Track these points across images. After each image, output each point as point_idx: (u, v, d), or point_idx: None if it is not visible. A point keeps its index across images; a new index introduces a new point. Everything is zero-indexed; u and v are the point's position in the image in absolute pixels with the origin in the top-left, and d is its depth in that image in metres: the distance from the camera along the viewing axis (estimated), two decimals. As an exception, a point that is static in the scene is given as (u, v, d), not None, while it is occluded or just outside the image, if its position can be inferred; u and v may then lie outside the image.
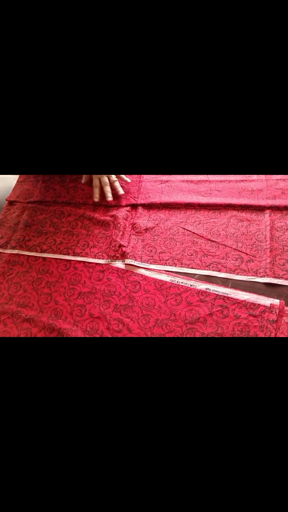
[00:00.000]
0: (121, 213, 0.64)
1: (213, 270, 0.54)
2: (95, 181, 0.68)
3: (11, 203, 0.76)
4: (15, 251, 0.66)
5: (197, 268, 0.55)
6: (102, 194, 0.67)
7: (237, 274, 0.53)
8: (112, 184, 0.67)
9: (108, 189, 0.66)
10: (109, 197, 0.65)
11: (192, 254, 0.56)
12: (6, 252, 0.67)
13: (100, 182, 0.68)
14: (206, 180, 0.64)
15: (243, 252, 0.54)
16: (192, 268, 0.55)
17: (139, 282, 0.55)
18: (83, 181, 0.72)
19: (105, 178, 0.67)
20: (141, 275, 0.55)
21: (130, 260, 0.57)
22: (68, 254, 0.63)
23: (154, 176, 0.68)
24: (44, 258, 0.63)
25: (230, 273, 0.53)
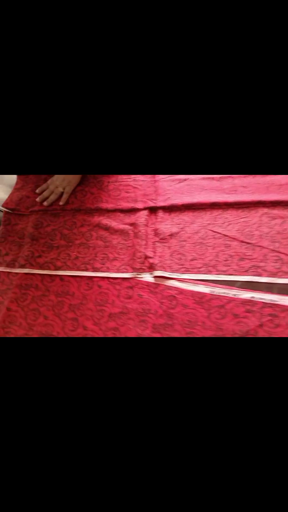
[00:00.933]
0: (140, 219, 0.58)
1: (253, 275, 0.50)
2: (45, 184, 0.67)
3: (10, 211, 0.67)
4: (25, 270, 0.59)
5: (235, 274, 0.50)
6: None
7: (280, 277, 0.49)
8: (54, 194, 0.65)
9: (54, 198, 0.65)
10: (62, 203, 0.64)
11: (227, 259, 0.52)
12: (14, 271, 0.59)
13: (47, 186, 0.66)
14: (229, 176, 0.60)
15: (282, 253, 0.51)
16: (229, 274, 0.51)
17: (175, 297, 0.50)
18: (61, 203, 0.67)
19: (59, 189, 0.65)
20: (176, 288, 0.51)
21: (159, 271, 0.52)
22: (86, 270, 0.57)
23: (169, 174, 0.63)
24: (61, 278, 0.56)
25: (272, 277, 0.49)
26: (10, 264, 0.61)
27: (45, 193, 0.66)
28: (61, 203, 0.64)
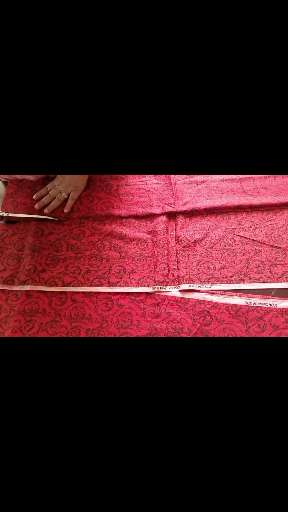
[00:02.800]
0: (159, 225, 0.53)
1: (288, 282, 0.47)
2: (49, 185, 0.60)
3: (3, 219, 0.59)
4: (27, 287, 0.51)
5: (269, 282, 0.47)
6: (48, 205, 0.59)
7: (315, 283, 0.46)
8: (56, 199, 0.58)
9: (56, 205, 0.57)
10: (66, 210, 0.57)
11: (259, 266, 0.48)
12: (14, 289, 0.51)
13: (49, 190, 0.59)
14: (249, 178, 0.56)
15: (314, 257, 0.48)
16: (263, 282, 0.47)
17: (208, 312, 0.45)
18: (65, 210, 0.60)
19: (63, 194, 0.58)
20: (208, 302, 0.46)
21: (187, 285, 0.47)
22: (101, 285, 0.50)
23: (186, 176, 0.58)
24: (73, 300, 0.49)
25: (307, 282, 0.46)
26: (8, 281, 0.52)
27: (45, 200, 0.58)
28: (66, 210, 0.57)
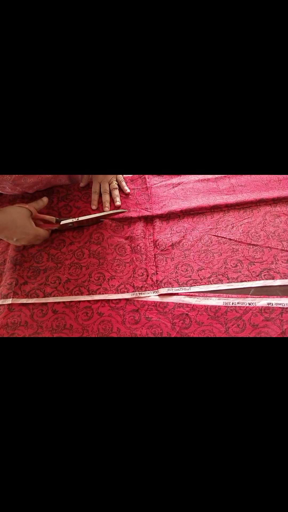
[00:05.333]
0: (137, 231, 0.53)
1: (266, 279, 0.46)
2: (95, 186, 0.58)
3: None
4: (9, 301, 0.51)
5: (248, 280, 0.47)
6: (101, 202, 0.58)
7: (294, 278, 0.46)
8: (112, 192, 0.56)
9: (107, 198, 0.56)
10: (117, 201, 0.56)
11: (236, 265, 0.48)
12: (-4, 305, 0.51)
13: (100, 188, 0.57)
14: (225, 176, 0.56)
15: (292, 252, 0.48)
16: (242, 281, 0.47)
17: (187, 315, 0.45)
18: (82, 184, 0.60)
19: (105, 185, 0.56)
20: (187, 305, 0.46)
21: (165, 289, 0.47)
22: (81, 294, 0.50)
23: (162, 179, 0.58)
24: (54, 311, 0.49)
25: (286, 278, 0.46)
26: (-9, 296, 0.53)
27: (104, 197, 0.56)
28: (117, 203, 0.55)
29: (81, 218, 0.53)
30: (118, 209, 0.56)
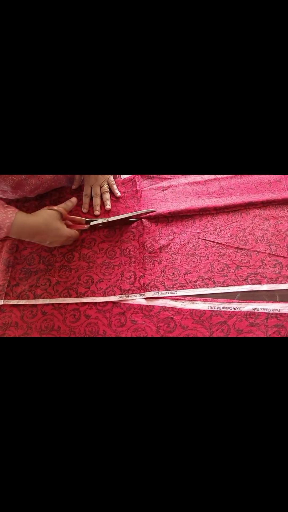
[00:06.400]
0: (126, 234, 0.53)
1: (253, 284, 0.46)
2: (86, 190, 0.58)
3: None
4: (0, 302, 0.53)
5: (234, 285, 0.46)
6: (92, 205, 0.58)
7: (281, 283, 0.45)
8: (103, 195, 0.57)
9: (98, 202, 0.57)
10: (108, 205, 0.56)
11: (223, 269, 0.48)
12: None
13: (92, 191, 0.58)
14: (215, 179, 0.56)
15: (280, 256, 0.47)
16: (228, 285, 0.46)
17: (172, 318, 0.45)
18: (74, 186, 0.61)
19: (97, 188, 0.57)
20: (172, 308, 0.46)
21: (151, 292, 0.47)
22: (70, 296, 0.51)
23: (152, 182, 0.58)
24: (43, 312, 0.50)
25: (273, 283, 0.46)
26: (-16, 297, 0.54)
27: (95, 201, 0.57)
28: (108, 207, 0.56)
29: (111, 219, 0.53)
30: (109, 212, 0.57)
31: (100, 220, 0.53)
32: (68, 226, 0.53)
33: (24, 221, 0.46)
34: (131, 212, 0.54)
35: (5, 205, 0.45)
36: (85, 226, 0.54)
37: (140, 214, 0.54)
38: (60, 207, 0.51)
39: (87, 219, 0.54)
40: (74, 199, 0.54)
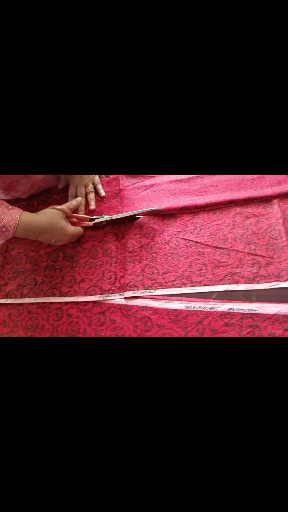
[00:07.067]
0: (108, 234, 0.54)
1: (230, 284, 0.46)
2: (71, 190, 0.59)
3: None
4: (-10, 301, 0.55)
5: (211, 284, 0.47)
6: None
7: (258, 282, 0.45)
8: (87, 195, 0.58)
9: (82, 202, 0.57)
10: (92, 205, 0.57)
11: (201, 269, 0.48)
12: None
13: (77, 191, 0.58)
14: (198, 176, 0.55)
15: (259, 255, 0.47)
16: (205, 285, 0.47)
17: (149, 318, 0.46)
18: (60, 186, 0.61)
19: (81, 189, 0.57)
20: (150, 308, 0.47)
21: (130, 292, 0.48)
22: (54, 295, 0.52)
23: (136, 181, 0.58)
24: (29, 311, 0.52)
25: (250, 283, 0.45)
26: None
27: (80, 200, 0.56)
28: (92, 207, 0.56)
29: (114, 217, 0.53)
30: (93, 212, 0.57)
31: (104, 218, 0.53)
32: (72, 223, 0.53)
33: (29, 221, 0.47)
34: (134, 210, 0.53)
35: (10, 207, 0.46)
36: (90, 223, 0.54)
37: (145, 211, 0.53)
38: (64, 207, 0.52)
39: (91, 217, 0.54)
40: (79, 199, 0.55)
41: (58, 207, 0.51)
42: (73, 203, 0.54)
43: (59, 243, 0.53)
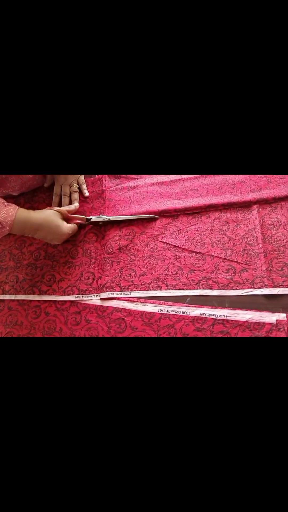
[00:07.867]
0: (89, 234, 0.55)
1: (203, 289, 0.46)
2: (56, 189, 0.59)
3: None
4: (-27, 297, 0.56)
5: (185, 289, 0.47)
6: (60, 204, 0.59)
7: (232, 289, 0.46)
8: (72, 195, 0.58)
9: (66, 202, 0.58)
10: (76, 205, 0.56)
11: (177, 272, 0.48)
12: None
13: (61, 190, 0.59)
14: (180, 179, 0.55)
15: (234, 261, 0.47)
16: (179, 289, 0.47)
17: (123, 319, 0.47)
18: (46, 184, 0.62)
19: (66, 188, 0.58)
20: (125, 310, 0.47)
21: (106, 293, 0.49)
22: (33, 293, 0.53)
23: (119, 182, 0.58)
24: (9, 308, 0.53)
25: (224, 288, 0.46)
26: None
27: (64, 201, 0.58)
28: (75, 205, 0.57)
29: (112, 218, 0.53)
30: (76, 212, 0.58)
31: (102, 218, 0.53)
32: (68, 221, 0.53)
33: (26, 217, 0.47)
34: (131, 215, 0.54)
35: (6, 203, 0.46)
36: (83, 221, 0.54)
37: (147, 217, 0.53)
38: (64, 209, 0.52)
39: (87, 218, 0.54)
40: (76, 204, 0.56)
41: (55, 208, 0.51)
42: (71, 207, 0.55)
43: (54, 242, 0.53)
